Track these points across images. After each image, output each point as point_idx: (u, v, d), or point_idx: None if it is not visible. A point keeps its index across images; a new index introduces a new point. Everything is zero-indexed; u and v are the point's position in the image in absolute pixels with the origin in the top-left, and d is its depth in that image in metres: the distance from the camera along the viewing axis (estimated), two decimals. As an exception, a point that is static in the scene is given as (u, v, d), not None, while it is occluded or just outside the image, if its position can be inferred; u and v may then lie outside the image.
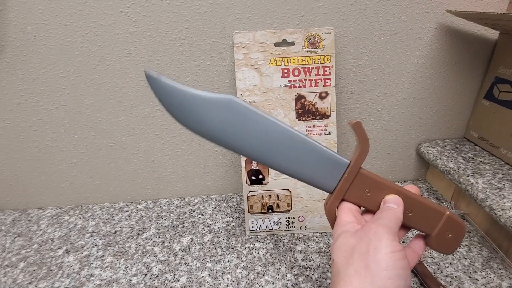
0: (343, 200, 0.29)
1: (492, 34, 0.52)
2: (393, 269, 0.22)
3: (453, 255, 0.46)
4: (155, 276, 0.44)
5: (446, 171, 0.51)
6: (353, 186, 0.28)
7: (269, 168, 0.48)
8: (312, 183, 0.28)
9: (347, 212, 0.28)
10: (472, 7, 0.50)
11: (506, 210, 0.41)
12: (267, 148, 0.26)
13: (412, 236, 0.31)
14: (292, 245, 0.48)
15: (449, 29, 0.51)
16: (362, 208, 0.30)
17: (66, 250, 0.49)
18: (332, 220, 0.29)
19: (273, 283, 0.42)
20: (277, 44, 0.46)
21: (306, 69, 0.46)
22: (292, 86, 0.47)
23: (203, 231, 0.52)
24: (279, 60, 0.46)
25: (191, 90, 0.25)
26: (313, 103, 0.47)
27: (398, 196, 0.28)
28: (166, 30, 0.47)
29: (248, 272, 0.44)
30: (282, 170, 0.27)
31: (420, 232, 0.30)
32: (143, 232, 0.52)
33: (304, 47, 0.46)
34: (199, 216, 0.56)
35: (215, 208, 0.58)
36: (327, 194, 0.30)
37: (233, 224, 0.54)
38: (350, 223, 0.27)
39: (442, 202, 0.56)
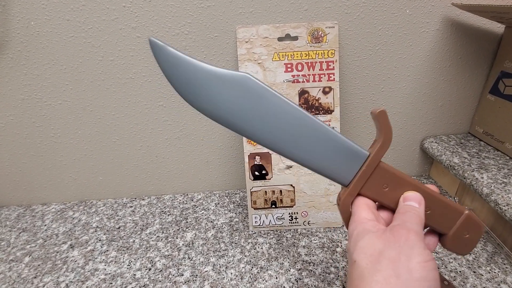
0: (358, 194, 0.27)
1: (498, 28, 0.51)
2: (426, 281, 0.21)
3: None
4: (159, 270, 0.44)
5: (451, 166, 0.51)
6: (371, 180, 0.26)
7: (272, 164, 0.48)
8: (326, 174, 0.26)
9: (365, 208, 0.26)
10: (478, 0, 0.49)
11: (511, 205, 0.40)
12: (282, 133, 0.24)
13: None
14: (295, 240, 0.48)
15: (454, 23, 0.50)
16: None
17: (70, 245, 0.50)
18: (346, 215, 0.27)
19: (276, 278, 0.42)
20: (280, 39, 0.46)
21: (309, 64, 0.46)
22: (295, 81, 0.47)
23: (207, 227, 0.52)
24: (283, 54, 0.46)
25: (201, 64, 0.22)
26: (316, 98, 0.47)
27: (419, 194, 0.26)
28: (169, 25, 0.47)
29: (252, 267, 0.44)
30: (295, 158, 0.26)
31: (433, 229, 0.29)
32: (147, 228, 0.53)
33: (307, 42, 0.46)
34: (202, 211, 0.56)
35: (218, 203, 0.58)
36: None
37: (236, 219, 0.54)
38: (370, 221, 0.25)
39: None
